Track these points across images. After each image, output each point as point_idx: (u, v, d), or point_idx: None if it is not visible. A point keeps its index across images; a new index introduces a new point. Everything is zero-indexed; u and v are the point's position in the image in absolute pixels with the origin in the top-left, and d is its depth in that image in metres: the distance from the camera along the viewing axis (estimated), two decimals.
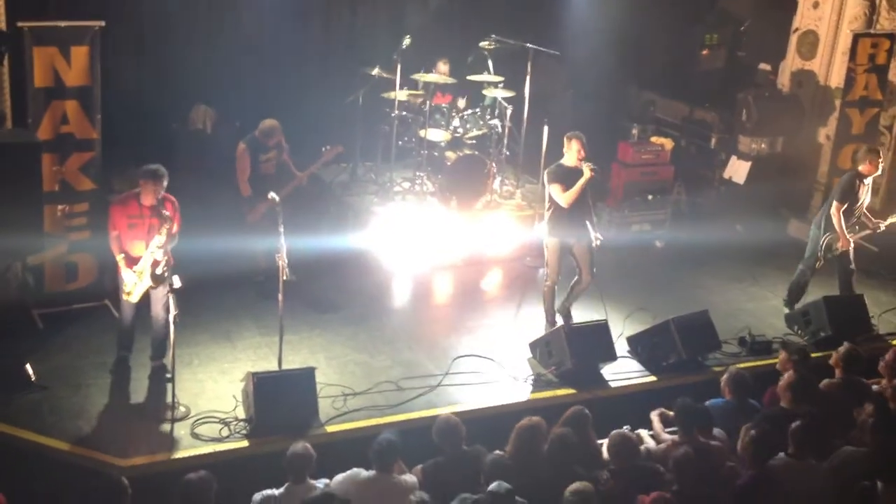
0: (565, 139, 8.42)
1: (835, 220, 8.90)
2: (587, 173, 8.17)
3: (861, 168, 9.00)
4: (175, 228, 7.21)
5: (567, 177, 8.28)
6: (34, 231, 7.56)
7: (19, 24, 7.91)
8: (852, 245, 9.00)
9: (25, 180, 7.44)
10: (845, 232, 8.91)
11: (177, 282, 6.72)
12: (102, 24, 8.27)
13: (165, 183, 7.17)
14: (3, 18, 8.24)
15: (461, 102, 11.06)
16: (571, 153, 8.32)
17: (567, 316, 8.80)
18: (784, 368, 7.08)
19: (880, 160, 9.03)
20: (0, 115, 8.37)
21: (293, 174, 8.91)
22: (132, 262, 7.15)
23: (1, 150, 7.41)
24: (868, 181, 9.03)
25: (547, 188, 8.43)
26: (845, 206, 8.91)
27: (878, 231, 9.14)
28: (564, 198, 8.25)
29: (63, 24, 8.20)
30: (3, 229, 7.12)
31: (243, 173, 8.71)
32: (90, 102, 8.25)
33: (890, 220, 9.14)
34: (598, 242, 8.46)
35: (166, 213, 7.10)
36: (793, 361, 7.04)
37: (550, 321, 8.74)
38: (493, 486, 5.33)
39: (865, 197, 9.11)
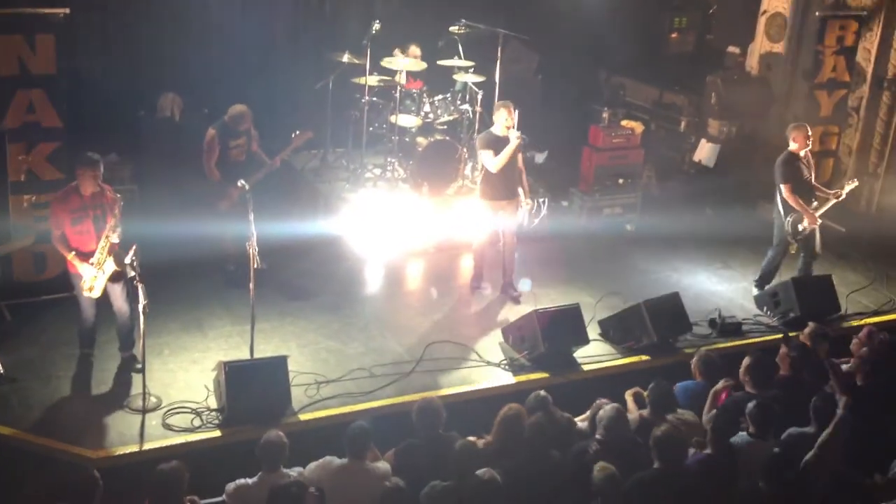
0: (494, 108, 8.91)
1: (792, 202, 8.96)
2: (514, 141, 8.60)
3: (792, 147, 9.03)
4: (118, 210, 7.09)
5: (496, 144, 8.70)
6: (0, 222, 7.48)
7: None
8: (819, 222, 9.05)
9: None
10: (808, 210, 8.97)
11: (128, 257, 6.70)
12: (67, 11, 8.15)
13: (102, 168, 7.07)
14: None
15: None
16: (500, 121, 8.71)
17: (508, 291, 9.09)
18: (782, 362, 7.10)
19: (808, 134, 9.03)
20: None
21: (263, 161, 8.84)
22: (85, 257, 7.02)
23: None
24: (804, 155, 9.07)
25: (478, 154, 8.89)
26: (790, 185, 8.96)
27: (840, 199, 9.17)
28: (494, 163, 8.65)
29: (28, 11, 8.09)
30: None
31: (210, 159, 8.63)
32: (56, 91, 8.15)
33: (848, 187, 9.19)
34: (527, 206, 8.95)
35: (111, 194, 7.03)
36: (791, 358, 7.07)
37: (476, 286, 9.19)
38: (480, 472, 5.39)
39: (810, 172, 9.16)
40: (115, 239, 7.00)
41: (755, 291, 9.39)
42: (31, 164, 8.18)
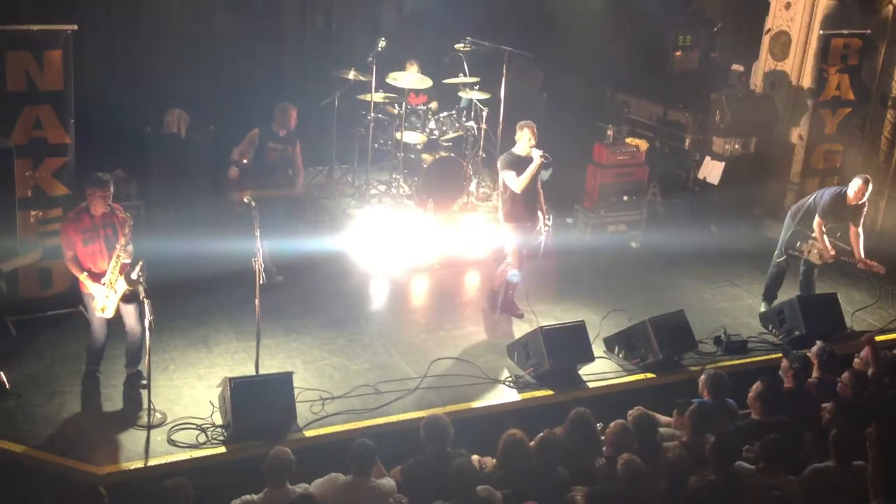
0: (517, 128, 8.71)
1: (817, 234, 8.96)
2: (537, 160, 8.48)
3: (847, 191, 8.95)
4: (128, 230, 7.10)
5: (519, 164, 8.59)
6: (7, 237, 7.50)
7: None
8: (828, 261, 9.05)
9: None
10: (826, 246, 8.95)
11: (134, 273, 6.73)
12: (75, 27, 8.21)
13: (112, 188, 7.10)
14: None
15: (434, 105, 11.05)
16: (523, 141, 8.60)
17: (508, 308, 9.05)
18: (785, 376, 7.09)
19: (867, 189, 8.92)
20: None
21: (293, 181, 9.03)
22: (97, 277, 7.02)
23: None
24: (853, 202, 8.96)
25: (500, 175, 8.72)
26: (823, 221, 8.94)
27: (852, 261, 9.16)
28: (518, 183, 8.52)
29: (36, 27, 8.14)
30: None
31: (240, 148, 8.84)
32: (63, 107, 8.18)
33: (869, 264, 9.01)
34: (547, 230, 8.79)
35: (121, 213, 7.06)
36: (793, 370, 7.06)
37: (492, 305, 9.06)
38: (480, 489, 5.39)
39: (854, 220, 9.04)
40: (125, 259, 7.01)
41: (763, 307, 9.38)
42: (37, 180, 8.20)
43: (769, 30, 12.38)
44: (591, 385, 7.95)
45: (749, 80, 12.67)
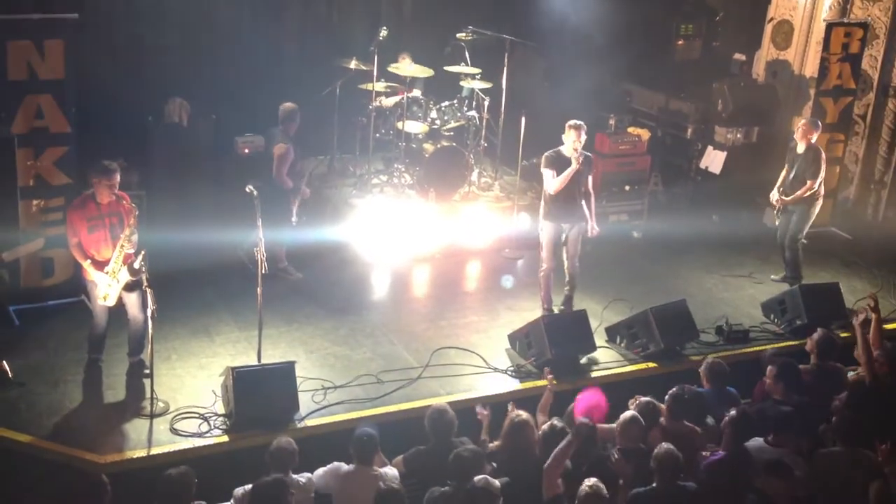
0: (566, 126, 8.47)
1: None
2: (574, 164, 8.30)
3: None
4: (133, 220, 7.11)
5: (560, 164, 8.43)
6: (9, 226, 7.50)
7: None
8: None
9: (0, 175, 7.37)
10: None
11: (137, 262, 6.75)
12: (76, 16, 8.19)
13: (119, 177, 7.08)
14: None
15: (417, 93, 10.98)
16: (568, 142, 8.43)
17: (568, 304, 8.87)
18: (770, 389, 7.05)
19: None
20: None
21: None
22: (100, 265, 7.02)
23: None
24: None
25: (541, 172, 8.63)
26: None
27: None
28: (552, 185, 8.43)
29: (36, 16, 8.12)
30: None
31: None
32: (64, 96, 8.18)
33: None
34: (594, 233, 8.68)
35: (127, 203, 7.06)
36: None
37: (547, 307, 8.83)
38: (477, 478, 5.39)
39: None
40: (129, 248, 7.00)
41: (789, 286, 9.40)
42: (39, 169, 8.20)
43: (771, 18, 12.36)
44: (592, 374, 7.96)
45: (751, 69, 12.66)
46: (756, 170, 11.65)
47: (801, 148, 9.47)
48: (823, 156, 9.52)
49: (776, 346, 8.40)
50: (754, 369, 7.43)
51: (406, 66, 10.65)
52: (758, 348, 8.50)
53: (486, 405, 6.83)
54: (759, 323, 9.02)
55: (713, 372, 7.03)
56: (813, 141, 9.45)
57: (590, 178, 8.64)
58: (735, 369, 7.36)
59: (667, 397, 6.44)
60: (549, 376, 7.16)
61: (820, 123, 9.65)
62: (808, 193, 9.40)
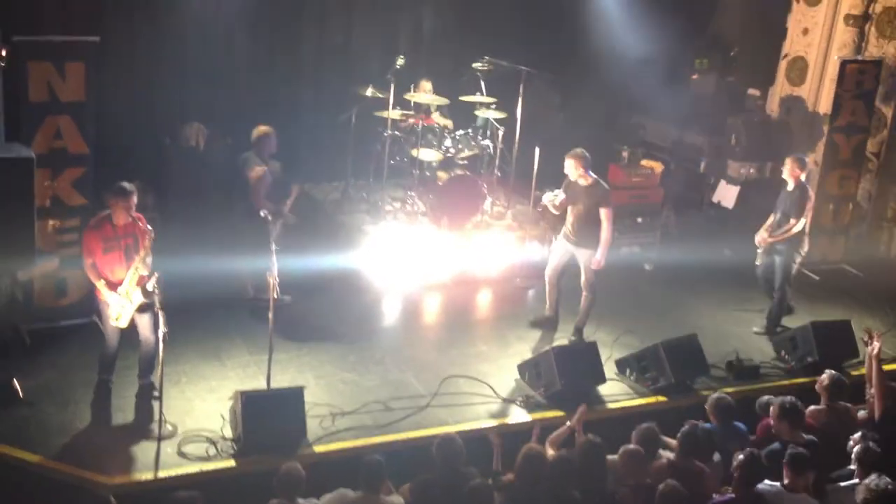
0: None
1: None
2: (560, 195, 8.88)
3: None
4: (149, 242, 7.14)
5: (567, 186, 8.90)
6: (26, 246, 7.55)
7: (14, 38, 7.91)
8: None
9: (18, 195, 7.47)
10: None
11: (150, 284, 6.78)
12: (97, 39, 8.29)
13: (136, 199, 7.13)
14: None
15: (449, 123, 11.04)
16: (568, 170, 8.79)
17: (577, 334, 8.99)
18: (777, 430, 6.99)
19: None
20: None
21: None
22: (114, 286, 7.05)
23: None
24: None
25: None
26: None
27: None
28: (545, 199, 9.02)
29: (58, 38, 8.23)
30: None
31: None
32: (84, 118, 8.25)
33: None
34: (595, 264, 8.76)
35: (143, 225, 7.10)
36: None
37: (548, 309, 9.22)
38: None
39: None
40: (143, 270, 7.04)
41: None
42: (56, 190, 8.26)
43: (786, 55, 12.42)
44: (602, 407, 7.94)
45: (765, 104, 12.69)
46: (769, 205, 11.63)
47: (790, 186, 9.30)
48: (811, 194, 9.39)
49: (786, 382, 8.38)
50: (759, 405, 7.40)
51: (424, 94, 10.74)
52: (769, 384, 8.48)
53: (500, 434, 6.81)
54: (770, 359, 8.99)
55: (719, 408, 6.98)
56: (802, 179, 9.29)
57: (602, 209, 8.67)
58: (745, 405, 7.33)
59: (679, 435, 6.39)
60: (581, 409, 7.07)
61: (807, 160, 9.47)
62: (793, 233, 9.20)
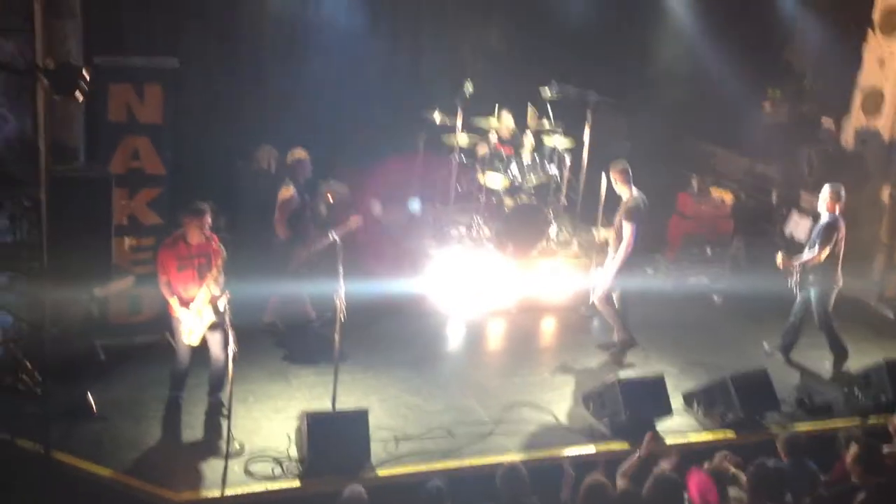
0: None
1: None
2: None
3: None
4: (221, 261, 7.26)
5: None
6: (103, 263, 7.74)
7: (96, 60, 8.11)
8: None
9: (97, 213, 7.66)
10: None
11: (221, 303, 6.89)
12: (176, 63, 8.49)
13: (210, 219, 7.27)
14: (81, 55, 8.46)
15: (526, 151, 11.05)
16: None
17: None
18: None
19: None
20: (73, 149, 8.59)
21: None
22: (187, 304, 7.20)
23: (75, 183, 7.64)
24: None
25: None
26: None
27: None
28: None
29: (138, 61, 8.44)
30: (73, 260, 7.27)
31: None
32: (161, 140, 8.46)
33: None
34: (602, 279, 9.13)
35: (216, 245, 7.23)
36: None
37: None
38: None
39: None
40: (215, 289, 7.17)
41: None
42: (133, 209, 8.47)
43: (861, 86, 12.18)
44: (668, 440, 7.81)
45: (839, 135, 12.46)
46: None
47: (824, 217, 9.07)
48: (841, 226, 9.03)
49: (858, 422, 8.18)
50: (835, 444, 7.21)
51: (505, 121, 10.80)
52: (840, 422, 8.27)
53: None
54: (842, 396, 8.77)
55: (792, 445, 6.83)
56: (837, 212, 9.02)
57: (626, 223, 8.85)
58: (815, 443, 7.16)
59: (749, 474, 6.25)
60: (649, 437, 6.98)
61: (843, 193, 9.15)
62: (814, 262, 8.98)
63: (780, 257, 9.22)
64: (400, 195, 11.43)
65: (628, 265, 9.03)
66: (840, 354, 9.28)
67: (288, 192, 8.80)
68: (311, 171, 9.13)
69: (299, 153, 9.09)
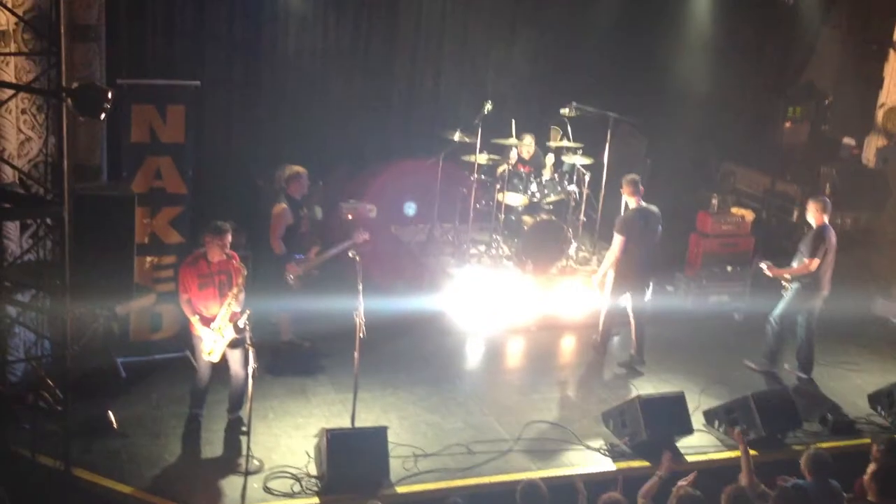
0: None
1: None
2: None
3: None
4: (242, 279, 7.30)
5: None
6: (125, 281, 7.80)
7: (118, 81, 8.24)
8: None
9: (119, 232, 7.72)
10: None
11: (242, 321, 6.92)
12: (198, 84, 8.59)
13: (230, 237, 7.32)
14: (104, 77, 8.57)
15: (546, 170, 11.07)
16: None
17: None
18: (874, 459, 6.82)
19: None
20: (95, 168, 8.68)
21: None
22: (207, 321, 7.25)
23: (97, 202, 7.71)
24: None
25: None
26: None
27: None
28: None
29: (161, 82, 8.55)
30: (95, 278, 7.34)
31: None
32: (183, 159, 8.54)
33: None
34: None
35: (237, 263, 7.28)
36: (879, 452, 6.79)
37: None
38: None
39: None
40: (236, 307, 7.22)
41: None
42: (154, 228, 8.56)
43: (882, 104, 12.14)
44: (688, 458, 7.77)
45: (861, 154, 12.40)
46: (864, 254, 11.34)
47: (813, 228, 9.12)
48: (828, 237, 9.03)
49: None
50: (859, 462, 7.12)
51: (526, 143, 10.88)
52: (863, 441, 8.18)
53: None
54: (865, 414, 8.69)
55: (816, 463, 6.74)
56: (825, 221, 9.05)
57: (615, 233, 9.17)
58: (839, 461, 7.06)
59: (774, 497, 6.19)
60: (667, 457, 6.94)
61: (829, 203, 9.17)
62: (801, 272, 9.03)
63: (765, 266, 9.29)
64: (419, 215, 11.48)
65: (641, 284, 9.21)
66: (805, 365, 9.32)
67: (281, 207, 8.80)
68: (309, 186, 9.15)
69: (295, 169, 9.10)
